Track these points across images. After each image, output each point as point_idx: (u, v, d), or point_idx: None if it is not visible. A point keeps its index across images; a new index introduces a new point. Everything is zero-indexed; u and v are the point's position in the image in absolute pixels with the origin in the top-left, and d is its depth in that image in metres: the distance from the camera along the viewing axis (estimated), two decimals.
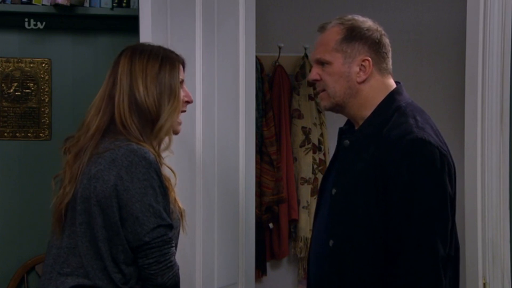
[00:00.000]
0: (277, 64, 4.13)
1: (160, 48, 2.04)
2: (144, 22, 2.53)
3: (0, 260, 3.32)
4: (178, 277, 1.94)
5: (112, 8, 3.22)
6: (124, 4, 3.23)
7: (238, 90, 2.91)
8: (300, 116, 4.10)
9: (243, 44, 2.90)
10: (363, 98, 1.97)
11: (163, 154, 2.03)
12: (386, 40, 2.00)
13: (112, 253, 1.87)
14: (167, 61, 1.99)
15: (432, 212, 1.82)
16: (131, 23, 3.13)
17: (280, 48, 4.10)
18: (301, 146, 4.10)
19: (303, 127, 4.10)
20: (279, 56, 4.12)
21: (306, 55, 4.16)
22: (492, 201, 2.40)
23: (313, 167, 4.11)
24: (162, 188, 1.89)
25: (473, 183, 2.42)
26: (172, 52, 2.05)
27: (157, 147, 1.98)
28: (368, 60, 1.95)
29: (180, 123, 2.06)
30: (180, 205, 2.02)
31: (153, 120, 1.95)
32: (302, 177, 4.10)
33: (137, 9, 3.07)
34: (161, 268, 1.87)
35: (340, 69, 1.95)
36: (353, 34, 1.95)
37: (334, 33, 1.97)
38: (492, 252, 2.39)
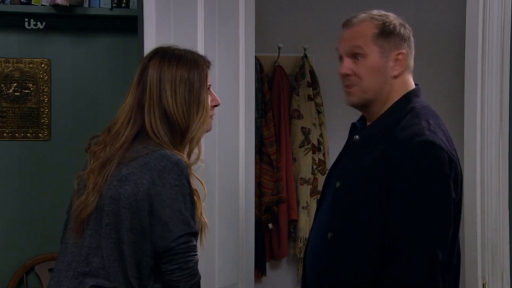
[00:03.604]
0: (276, 64, 4.13)
1: (187, 53, 2.01)
2: (148, 23, 2.53)
3: (0, 260, 3.32)
4: (199, 286, 1.92)
5: (111, 9, 3.22)
6: (123, 5, 3.23)
7: (238, 91, 2.91)
8: (300, 117, 4.10)
9: (242, 45, 2.90)
10: (392, 94, 1.95)
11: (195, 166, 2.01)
12: (413, 38, 2.00)
13: (136, 257, 1.85)
14: (195, 69, 1.97)
15: (434, 216, 1.80)
16: (131, 24, 3.13)
17: (279, 48, 4.10)
18: (300, 147, 4.10)
19: (302, 128, 4.10)
20: (278, 56, 4.12)
21: (305, 56, 4.16)
22: (491, 202, 2.40)
23: (312, 167, 4.11)
24: (191, 196, 1.88)
25: (472, 184, 2.42)
26: (199, 56, 2.03)
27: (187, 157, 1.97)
28: (403, 53, 1.93)
29: (211, 120, 2.06)
30: (204, 218, 2.00)
31: (182, 131, 1.94)
32: (301, 178, 4.10)
33: (137, 10, 3.08)
34: (184, 275, 1.86)
35: (378, 63, 1.92)
36: (389, 30, 1.93)
37: (367, 27, 1.93)
38: (491, 252, 2.39)
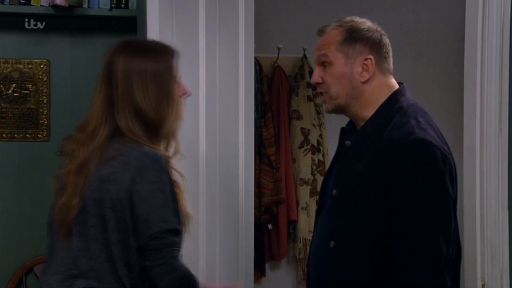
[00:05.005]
0: (276, 65, 4.13)
1: (152, 44, 1.99)
2: (151, 26, 2.54)
3: None
4: (183, 281, 1.90)
5: (110, 9, 3.22)
6: (122, 5, 3.23)
7: (238, 91, 2.90)
8: (299, 117, 4.10)
9: (242, 45, 2.90)
10: (366, 99, 1.95)
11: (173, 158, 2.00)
12: (386, 40, 1.99)
13: (125, 255, 1.85)
14: (162, 61, 1.94)
15: (434, 213, 1.80)
16: (130, 24, 3.13)
17: (279, 49, 4.09)
18: (300, 147, 4.10)
19: (302, 128, 4.09)
20: (278, 57, 4.11)
21: (305, 56, 4.15)
22: (490, 203, 2.40)
23: (312, 168, 4.11)
24: (172, 192, 1.87)
25: (472, 185, 2.42)
26: (166, 47, 2.00)
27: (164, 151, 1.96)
28: (370, 58, 1.93)
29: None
30: (187, 210, 1.98)
31: (156, 126, 1.92)
32: (301, 178, 4.09)
33: (136, 10, 3.08)
34: (159, 271, 1.85)
35: (342, 70, 1.94)
36: (353, 36, 1.94)
37: (334, 35, 1.96)
38: (491, 253, 2.39)
